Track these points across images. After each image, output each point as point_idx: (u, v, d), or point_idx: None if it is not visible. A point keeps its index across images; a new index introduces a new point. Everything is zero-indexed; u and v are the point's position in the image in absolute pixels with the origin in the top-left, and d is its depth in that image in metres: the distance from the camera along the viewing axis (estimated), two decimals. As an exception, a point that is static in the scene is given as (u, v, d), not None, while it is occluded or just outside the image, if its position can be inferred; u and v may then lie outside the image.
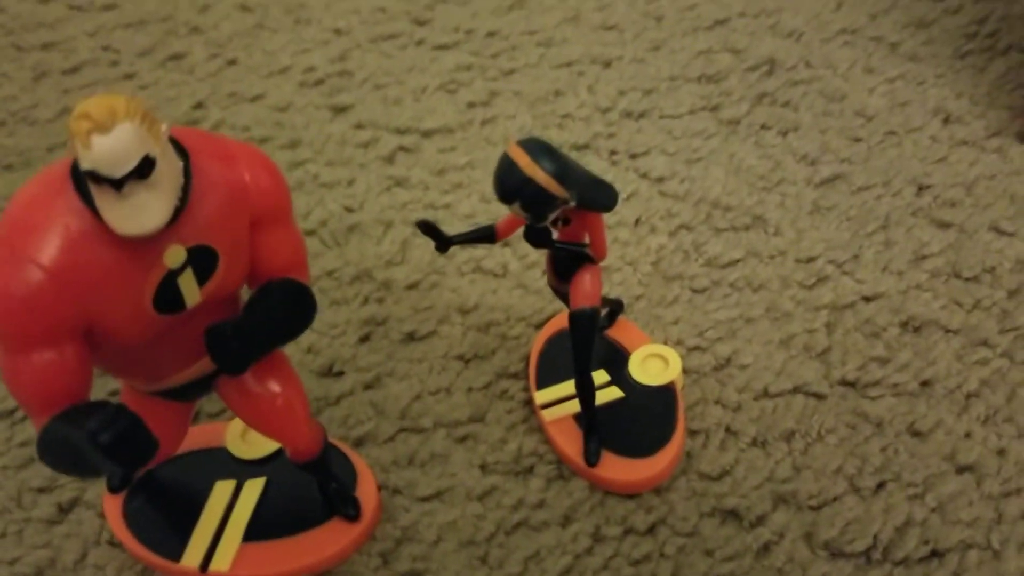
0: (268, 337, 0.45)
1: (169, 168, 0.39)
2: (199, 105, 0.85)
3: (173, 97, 0.86)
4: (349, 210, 0.74)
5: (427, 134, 0.81)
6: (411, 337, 0.65)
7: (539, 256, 0.70)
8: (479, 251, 0.70)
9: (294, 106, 0.85)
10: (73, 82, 0.90)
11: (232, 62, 0.91)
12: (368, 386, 0.62)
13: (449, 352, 0.64)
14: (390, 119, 0.83)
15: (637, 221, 0.72)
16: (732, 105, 0.82)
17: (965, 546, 0.51)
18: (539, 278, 0.68)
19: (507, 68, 0.88)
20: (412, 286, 0.69)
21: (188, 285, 0.42)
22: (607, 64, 0.88)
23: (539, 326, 0.65)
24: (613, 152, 0.79)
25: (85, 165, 0.36)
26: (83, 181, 0.38)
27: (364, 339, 0.65)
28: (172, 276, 0.41)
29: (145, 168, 0.37)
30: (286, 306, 0.45)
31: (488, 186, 0.76)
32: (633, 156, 0.78)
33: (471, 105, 0.84)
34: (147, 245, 0.40)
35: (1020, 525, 0.52)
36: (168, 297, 0.42)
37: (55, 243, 0.38)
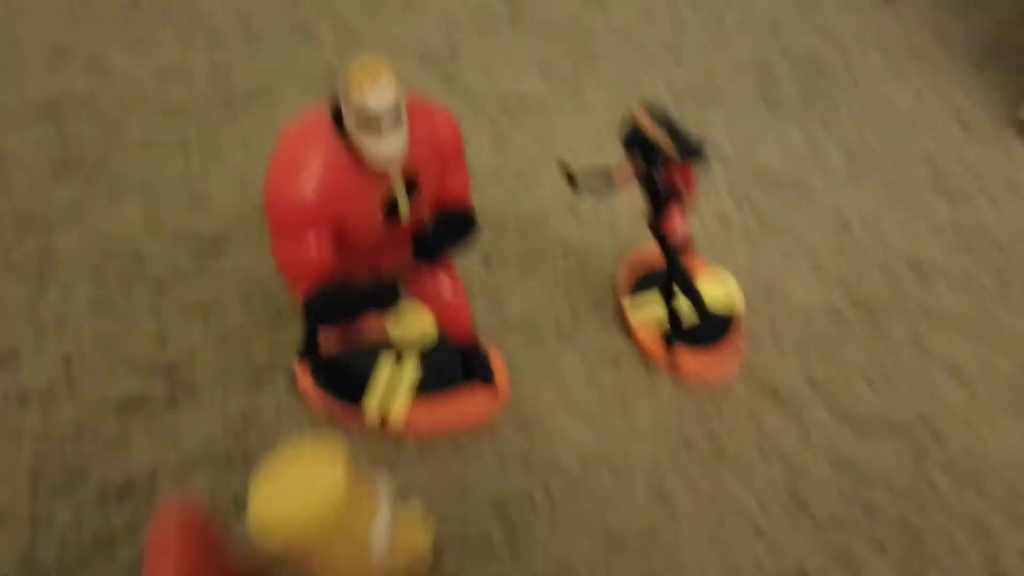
0: (452, 242, 0.66)
1: (405, 115, 0.60)
2: (330, 73, 1.08)
3: (307, 65, 1.09)
4: (464, 163, 0.97)
5: (525, 105, 1.04)
6: (522, 264, 0.87)
7: (622, 205, 0.93)
8: (575, 199, 0.93)
9: (411, 78, 1.08)
10: (219, 46, 1.12)
11: (354, 36, 1.13)
12: (490, 298, 0.85)
13: (553, 276, 0.86)
14: (494, 91, 1.06)
15: (696, 198, 0.95)
16: (781, 95, 1.06)
17: (950, 422, 0.74)
18: (625, 223, 0.91)
19: (591, 53, 1.11)
20: (520, 225, 0.91)
21: (403, 204, 0.62)
22: (676, 54, 1.11)
23: (625, 258, 0.88)
24: (681, 127, 1.02)
25: (358, 108, 0.54)
26: (339, 122, 0.56)
27: (485, 264, 0.87)
28: (394, 195, 0.60)
29: (397, 112, 0.55)
30: (461, 223, 0.66)
31: (578, 151, 0.99)
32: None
33: (563, 82, 1.07)
34: (381, 171, 0.58)
35: (993, 410, 0.75)
36: (391, 211, 0.61)
37: (319, 166, 0.56)
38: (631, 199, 0.92)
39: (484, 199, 0.93)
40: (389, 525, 0.35)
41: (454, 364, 0.76)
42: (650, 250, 0.85)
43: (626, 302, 0.82)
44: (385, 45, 1.12)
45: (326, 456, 0.34)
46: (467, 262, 0.87)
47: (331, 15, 1.17)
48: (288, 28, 1.15)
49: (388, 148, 0.56)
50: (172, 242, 0.90)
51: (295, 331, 0.81)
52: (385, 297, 0.61)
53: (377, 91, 0.54)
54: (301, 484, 0.33)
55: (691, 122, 1.02)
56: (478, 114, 1.03)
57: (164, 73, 1.09)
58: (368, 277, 0.60)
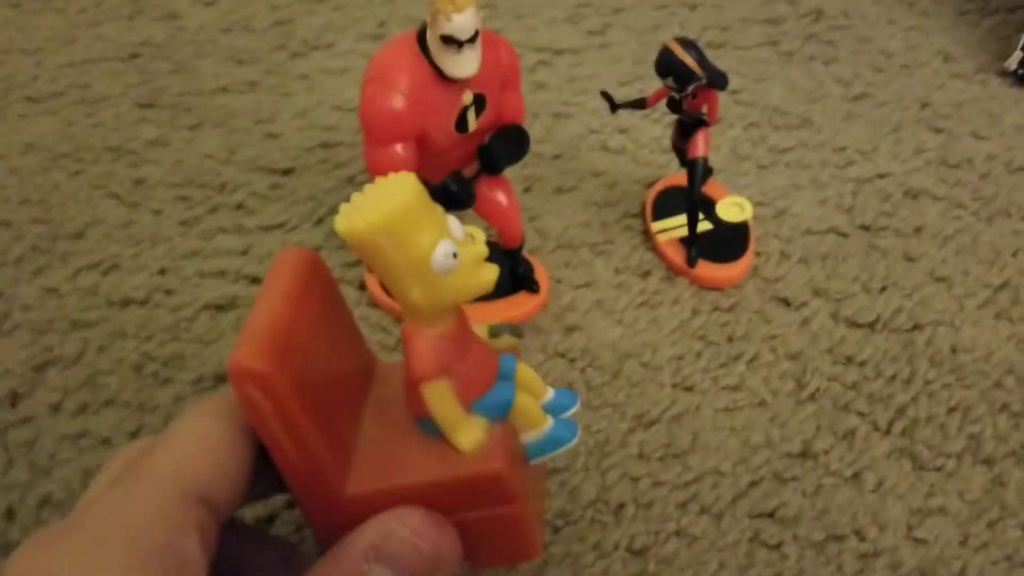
0: (511, 154, 0.75)
1: (480, 39, 0.69)
2: (382, 23, 1.16)
3: (361, 17, 1.17)
4: (505, 103, 1.06)
5: (558, 53, 1.13)
6: (559, 190, 0.97)
7: (647, 140, 1.01)
8: (604, 134, 1.02)
9: (454, 27, 1.16)
10: (279, 1, 1.20)
11: (400, -9, 1.22)
12: (532, 218, 0.93)
13: (587, 200, 0.95)
14: (530, 41, 1.14)
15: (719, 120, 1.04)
16: (788, 41, 1.14)
17: (936, 323, 0.83)
18: (648, 155, 1.00)
19: (616, 7, 1.19)
20: (556, 157, 1.00)
21: (472, 117, 0.72)
22: (693, 7, 1.20)
23: (649, 185, 0.96)
24: (698, 73, 1.10)
25: (444, 31, 0.64)
26: (424, 44, 0.66)
27: (527, 190, 0.97)
28: (465, 110, 0.71)
29: (476, 36, 0.65)
30: (517, 138, 0.76)
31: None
32: (714, 76, 1.09)
33: (591, 33, 1.15)
34: (456, 88, 0.69)
35: (973, 313, 0.84)
36: (462, 123, 0.72)
37: (408, 81, 0.66)
38: (653, 133, 1.01)
39: (524, 134, 1.02)
40: (454, 246, 0.41)
41: (504, 273, 0.85)
42: (675, 179, 0.93)
43: (654, 225, 0.90)
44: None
45: (404, 179, 0.42)
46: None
47: (379, -27, 1.25)
48: (339, -16, 1.23)
49: (465, 64, 0.66)
50: (248, 171, 0.99)
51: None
52: (460, 197, 0.70)
53: (462, 17, 0.64)
54: (377, 191, 0.41)
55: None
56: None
57: (231, 24, 1.17)
58: (447, 179, 0.70)
